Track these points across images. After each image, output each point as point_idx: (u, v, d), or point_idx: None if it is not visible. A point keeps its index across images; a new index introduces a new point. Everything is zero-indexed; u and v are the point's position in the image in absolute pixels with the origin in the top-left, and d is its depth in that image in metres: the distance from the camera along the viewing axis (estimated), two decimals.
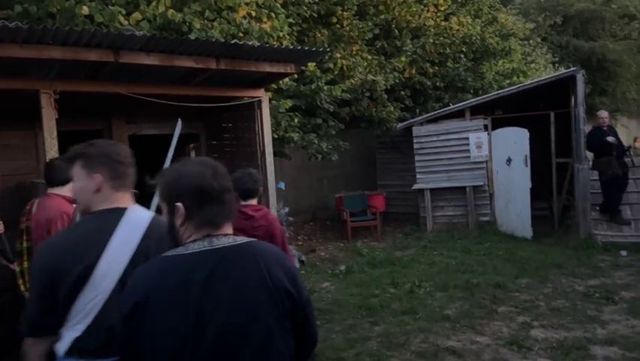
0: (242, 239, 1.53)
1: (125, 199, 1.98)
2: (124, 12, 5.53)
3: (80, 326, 1.83)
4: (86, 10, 5.14)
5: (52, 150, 4.23)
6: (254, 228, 3.26)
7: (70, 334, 1.84)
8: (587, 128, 8.32)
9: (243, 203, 3.31)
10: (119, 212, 1.92)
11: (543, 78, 9.84)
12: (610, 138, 8.14)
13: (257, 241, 1.57)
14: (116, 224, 1.88)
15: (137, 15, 5.56)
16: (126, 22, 5.46)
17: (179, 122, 3.13)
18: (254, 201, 3.43)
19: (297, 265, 7.65)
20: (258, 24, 6.64)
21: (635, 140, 20.17)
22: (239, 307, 1.42)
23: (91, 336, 1.82)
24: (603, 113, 8.61)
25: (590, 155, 8.64)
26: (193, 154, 7.80)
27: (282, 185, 8.11)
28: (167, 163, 3.17)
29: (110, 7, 5.36)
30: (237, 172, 3.36)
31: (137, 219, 1.94)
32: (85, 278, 1.80)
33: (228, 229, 1.54)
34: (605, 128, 8.36)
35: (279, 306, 1.46)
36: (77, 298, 1.81)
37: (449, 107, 10.05)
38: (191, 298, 1.39)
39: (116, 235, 1.86)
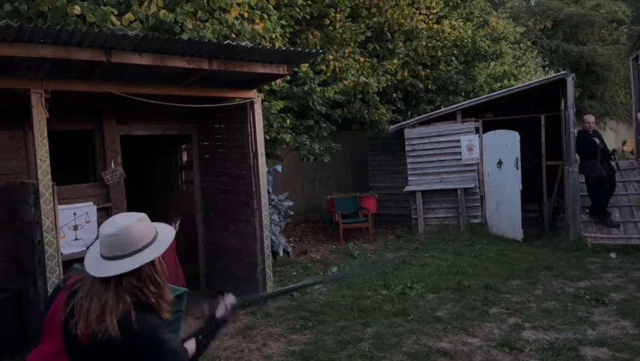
0: None
1: None
2: (116, 12, 5.51)
3: None
4: (77, 9, 5.11)
5: (42, 150, 4.20)
6: None
7: None
8: (576, 131, 8.40)
9: None
10: None
11: (534, 81, 9.91)
12: (596, 140, 8.26)
13: None
14: None
15: (129, 15, 5.54)
16: (118, 23, 5.43)
17: None
18: None
19: (281, 253, 7.66)
20: (251, 25, 6.64)
21: (623, 143, 20.38)
22: None
23: None
24: (590, 118, 8.69)
25: (577, 158, 8.74)
26: (185, 155, 7.78)
27: (278, 167, 8.11)
28: None
29: (102, 7, 5.33)
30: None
31: None
32: None
33: None
34: (590, 133, 8.45)
35: None
36: None
37: (441, 110, 10.09)
38: None
39: None
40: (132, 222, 1.81)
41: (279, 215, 7.66)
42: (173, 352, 1.74)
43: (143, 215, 1.88)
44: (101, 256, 1.79)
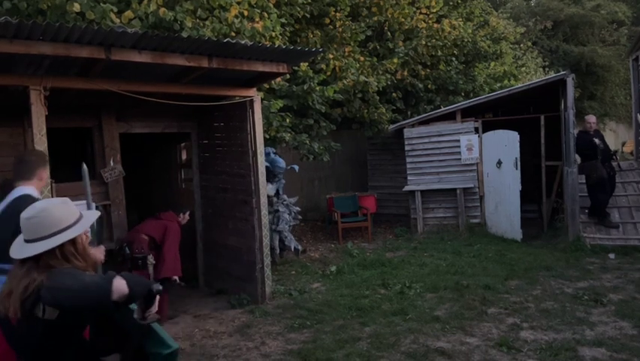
0: None
1: None
2: (115, 10, 5.50)
3: None
4: (77, 7, 5.10)
5: (41, 148, 4.19)
6: (160, 220, 5.63)
7: None
8: (575, 131, 8.39)
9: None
10: None
11: (534, 82, 9.90)
12: (596, 140, 8.24)
13: None
14: None
15: (128, 13, 5.53)
16: (118, 20, 5.42)
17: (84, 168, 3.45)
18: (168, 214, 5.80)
19: (292, 250, 7.73)
20: (250, 23, 6.63)
21: (623, 144, 20.37)
22: None
23: None
24: (591, 118, 8.68)
25: (578, 159, 8.73)
26: (184, 154, 7.77)
27: (295, 167, 8.17)
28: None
29: (101, 4, 5.33)
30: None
31: None
32: None
33: None
34: (591, 133, 8.44)
35: None
36: None
37: (440, 110, 10.08)
38: None
39: None
40: (52, 205, 1.89)
41: (289, 215, 7.72)
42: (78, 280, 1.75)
43: (66, 199, 1.96)
44: (24, 240, 1.86)
